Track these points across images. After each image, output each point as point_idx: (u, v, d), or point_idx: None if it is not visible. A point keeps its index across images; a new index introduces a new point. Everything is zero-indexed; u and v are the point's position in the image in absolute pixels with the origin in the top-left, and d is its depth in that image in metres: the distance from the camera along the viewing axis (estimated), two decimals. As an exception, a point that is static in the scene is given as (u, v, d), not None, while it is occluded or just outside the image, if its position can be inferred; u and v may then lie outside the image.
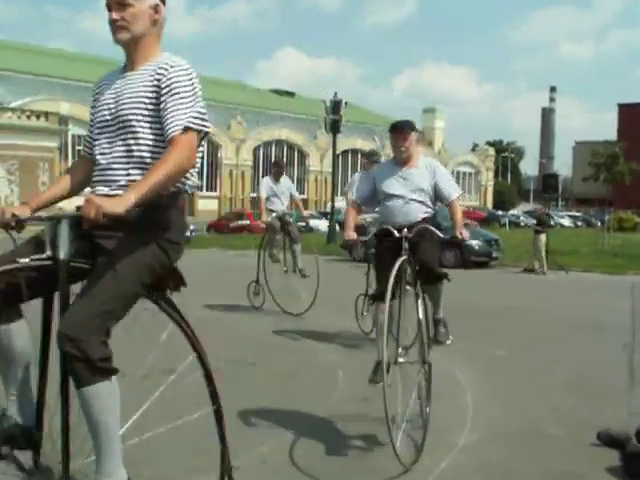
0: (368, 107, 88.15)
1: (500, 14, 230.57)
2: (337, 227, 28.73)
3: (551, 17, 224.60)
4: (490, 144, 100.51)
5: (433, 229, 5.70)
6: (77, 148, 52.42)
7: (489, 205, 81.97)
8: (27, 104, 46.89)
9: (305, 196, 69.31)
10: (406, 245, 5.34)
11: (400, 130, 6.01)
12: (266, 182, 11.46)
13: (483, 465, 4.82)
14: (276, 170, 11.79)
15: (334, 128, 32.33)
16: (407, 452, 4.73)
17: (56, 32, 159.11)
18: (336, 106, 32.01)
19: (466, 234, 6.00)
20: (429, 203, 6.28)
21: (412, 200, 6.12)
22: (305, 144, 69.49)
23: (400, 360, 5.11)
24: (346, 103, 33.59)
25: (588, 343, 9.38)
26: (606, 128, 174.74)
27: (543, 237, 19.63)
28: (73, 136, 51.72)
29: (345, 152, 70.89)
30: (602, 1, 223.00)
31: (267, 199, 11.22)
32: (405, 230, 5.46)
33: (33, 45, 67.09)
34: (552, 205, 65.16)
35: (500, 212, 67.00)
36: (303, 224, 26.99)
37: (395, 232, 5.50)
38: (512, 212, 73.11)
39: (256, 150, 66.06)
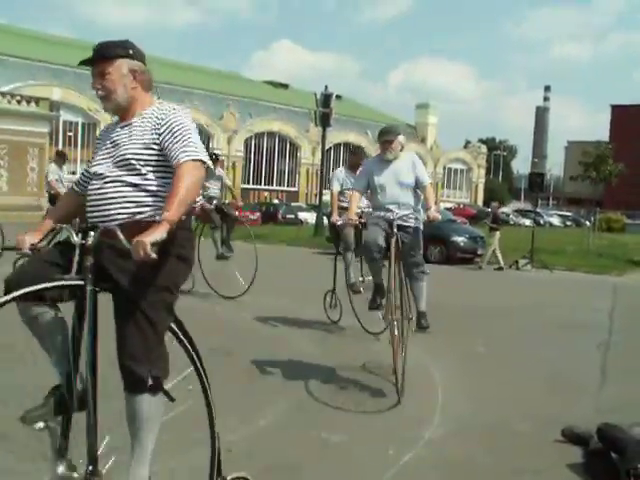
0: (363, 101, 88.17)
1: (499, 11, 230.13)
2: (325, 221, 28.72)
3: (551, 16, 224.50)
4: (482, 141, 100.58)
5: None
6: (68, 134, 52.33)
7: (480, 202, 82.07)
8: (18, 89, 46.62)
9: (296, 188, 69.33)
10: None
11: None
12: (339, 174, 9.55)
13: (445, 460, 4.86)
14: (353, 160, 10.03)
15: (324, 121, 32.25)
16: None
17: (56, 18, 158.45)
18: (327, 99, 31.90)
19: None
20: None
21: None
22: (297, 136, 69.34)
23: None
24: (338, 97, 33.54)
25: (566, 342, 9.45)
26: (600, 129, 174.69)
27: (497, 234, 19.94)
28: (64, 122, 51.51)
29: (337, 145, 70.82)
30: (603, 2, 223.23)
31: (341, 193, 9.28)
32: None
33: (28, 30, 66.69)
34: (541, 204, 65.37)
35: (490, 209, 67.03)
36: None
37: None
38: (502, 210, 73.18)
39: (248, 141, 65.90)
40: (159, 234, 2.85)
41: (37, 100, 42.98)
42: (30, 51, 54.07)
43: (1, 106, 40.98)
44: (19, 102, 42.12)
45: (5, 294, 2.89)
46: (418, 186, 7.12)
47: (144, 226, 3.00)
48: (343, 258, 9.20)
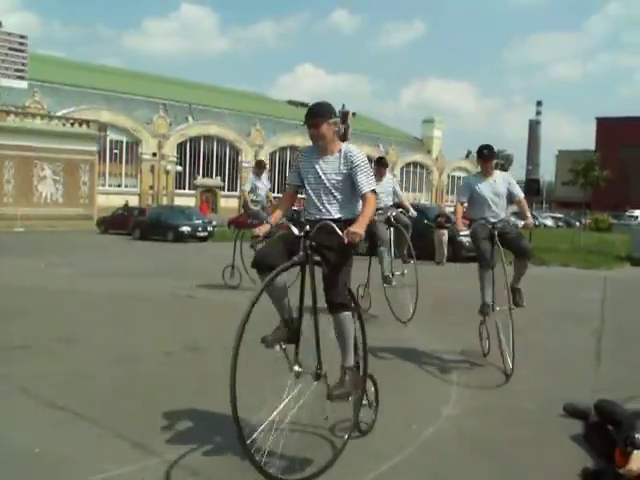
0: (376, 118, 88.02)
1: (500, 37, 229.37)
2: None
3: (545, 40, 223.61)
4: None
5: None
6: (114, 151, 52.73)
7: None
8: (71, 113, 47.12)
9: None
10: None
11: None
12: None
13: (463, 433, 4.97)
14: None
15: (342, 136, 32.40)
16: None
17: (103, 50, 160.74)
18: (344, 116, 31.99)
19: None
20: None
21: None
22: (317, 150, 69.52)
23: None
24: (354, 114, 33.67)
25: (564, 329, 9.49)
26: (587, 139, 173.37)
27: (444, 232, 20.14)
28: (111, 141, 51.99)
29: (353, 158, 70.91)
30: (591, 26, 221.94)
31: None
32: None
33: (79, 61, 67.36)
34: (535, 207, 64.97)
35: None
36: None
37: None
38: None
39: (272, 155, 66.13)
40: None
41: (87, 122, 43.42)
42: (81, 79, 54.59)
43: (57, 128, 41.47)
44: (72, 124, 42.59)
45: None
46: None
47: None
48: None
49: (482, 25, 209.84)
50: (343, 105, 34.08)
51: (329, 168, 4.49)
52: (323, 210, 4.48)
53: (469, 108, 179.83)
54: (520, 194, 7.30)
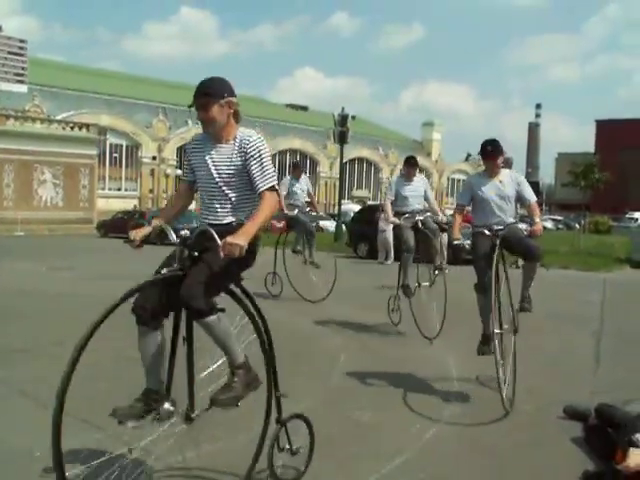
0: (375, 121, 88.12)
1: (499, 39, 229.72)
2: (343, 227, 28.85)
3: (543, 42, 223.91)
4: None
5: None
6: (114, 155, 52.80)
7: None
8: (71, 116, 47.20)
9: (316, 199, 69.39)
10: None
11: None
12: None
13: (462, 436, 4.97)
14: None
15: (341, 139, 32.47)
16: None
17: (103, 53, 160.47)
18: (343, 119, 32.15)
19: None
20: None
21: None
22: (316, 153, 69.52)
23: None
24: (353, 117, 33.75)
25: (563, 331, 9.49)
26: (586, 141, 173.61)
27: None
28: (111, 145, 52.05)
29: (352, 160, 70.98)
30: (589, 28, 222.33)
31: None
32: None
33: (79, 65, 67.49)
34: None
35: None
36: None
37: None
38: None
39: (273, 158, 66.30)
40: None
41: (87, 126, 43.45)
42: (81, 83, 54.67)
43: (57, 132, 41.49)
44: (72, 128, 42.61)
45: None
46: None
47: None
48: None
49: (481, 27, 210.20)
50: (342, 108, 34.08)
51: (220, 160, 3.59)
52: (213, 212, 3.63)
53: (468, 110, 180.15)
54: (531, 197, 6.24)
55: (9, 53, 44.15)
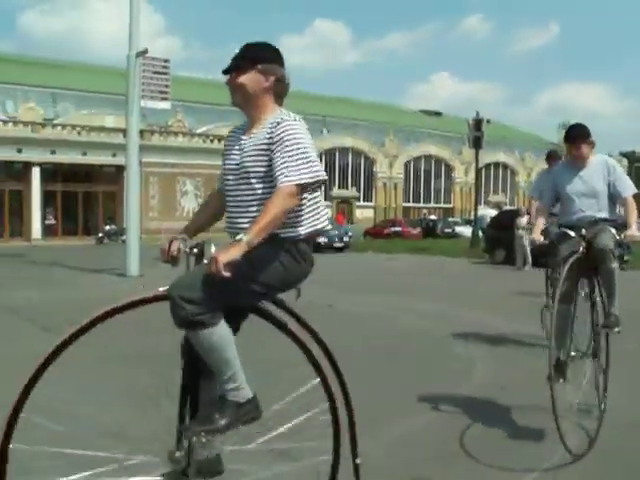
0: (510, 124, 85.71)
1: (638, 33, 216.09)
2: (480, 233, 28.18)
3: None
4: (623, 155, 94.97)
5: None
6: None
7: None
8: (211, 130, 49.11)
9: (451, 205, 68.47)
10: None
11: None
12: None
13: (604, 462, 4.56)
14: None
15: (476, 144, 31.80)
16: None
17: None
18: (478, 124, 31.45)
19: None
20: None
21: None
22: (451, 158, 68.59)
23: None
24: (488, 121, 32.97)
25: None
26: None
27: (524, 234, 18.57)
28: (249, 156, 53.62)
29: (488, 165, 69.42)
30: None
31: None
32: None
33: (217, 80, 70.11)
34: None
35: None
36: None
37: None
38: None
39: (407, 164, 65.96)
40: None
41: (219, 138, 45.18)
42: (220, 98, 56.51)
43: (198, 145, 43.35)
44: (212, 141, 44.37)
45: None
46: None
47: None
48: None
49: (624, 20, 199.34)
50: (477, 113, 33.51)
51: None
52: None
53: (607, 110, 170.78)
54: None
55: (154, 73, 46.47)
